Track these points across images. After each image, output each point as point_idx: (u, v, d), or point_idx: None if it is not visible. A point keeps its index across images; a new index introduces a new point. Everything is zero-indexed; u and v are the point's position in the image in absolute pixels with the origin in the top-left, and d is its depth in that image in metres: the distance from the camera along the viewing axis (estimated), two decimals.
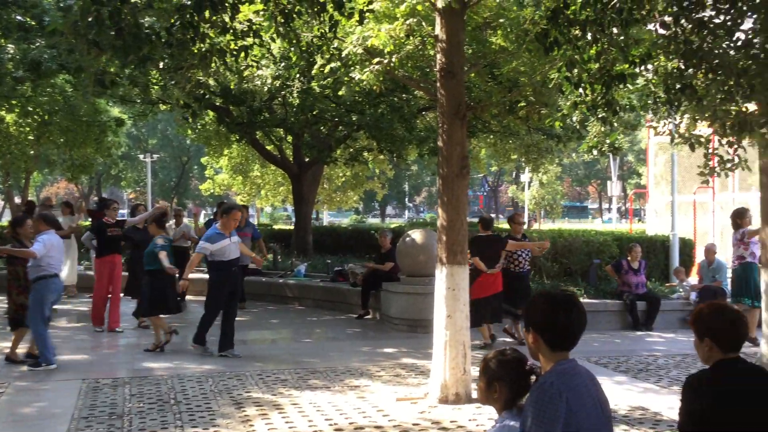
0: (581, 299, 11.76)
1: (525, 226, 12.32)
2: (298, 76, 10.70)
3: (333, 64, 7.03)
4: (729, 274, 12.03)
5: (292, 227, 21.50)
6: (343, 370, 8.35)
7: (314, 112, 13.01)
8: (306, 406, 6.78)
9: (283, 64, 11.31)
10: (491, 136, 17.27)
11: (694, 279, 13.62)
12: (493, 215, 42.76)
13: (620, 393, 7.38)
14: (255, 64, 9.11)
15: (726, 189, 25.54)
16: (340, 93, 8.40)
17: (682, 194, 23.56)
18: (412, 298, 10.85)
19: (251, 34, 5.84)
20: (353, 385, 7.63)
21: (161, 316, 9.46)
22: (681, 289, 12.64)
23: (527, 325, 3.04)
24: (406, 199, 73.12)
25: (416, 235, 11.25)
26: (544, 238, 12.78)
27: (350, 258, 15.94)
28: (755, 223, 10.02)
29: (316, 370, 8.28)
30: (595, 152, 6.71)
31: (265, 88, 11.48)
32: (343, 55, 7.25)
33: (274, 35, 6.13)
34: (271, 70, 11.13)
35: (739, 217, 10.51)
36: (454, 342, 7.02)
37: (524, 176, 40.74)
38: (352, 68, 7.38)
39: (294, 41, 6.42)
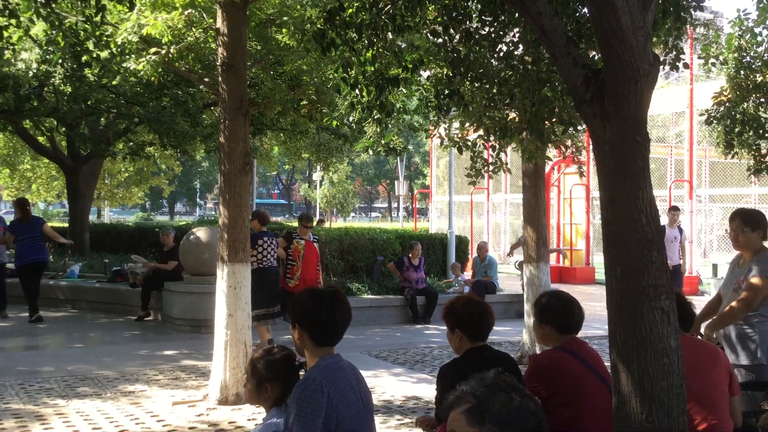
0: (366, 295, 12.21)
1: (317, 225, 12.36)
2: (60, 61, 9.93)
3: (102, 52, 6.62)
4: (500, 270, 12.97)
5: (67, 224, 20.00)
6: (116, 375, 7.90)
7: (89, 102, 12.19)
8: (73, 416, 6.33)
9: (51, 48, 10.47)
10: (281, 134, 17.25)
11: (469, 274, 14.57)
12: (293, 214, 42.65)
13: (397, 384, 7.68)
14: (11, 46, 8.32)
15: (499, 190, 27.58)
16: (114, 83, 7.94)
17: (462, 195, 25.11)
18: (195, 297, 10.54)
19: (7, 14, 5.33)
20: (127, 391, 7.25)
21: None
22: (456, 284, 13.44)
23: (293, 322, 3.06)
24: (197, 197, 71.07)
25: (201, 232, 10.94)
26: (331, 237, 13.01)
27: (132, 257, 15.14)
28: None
29: (87, 377, 7.76)
30: (370, 152, 6.95)
31: (30, 73, 10.55)
32: (118, 43, 6.87)
33: (34, 16, 5.64)
34: (36, 54, 10.25)
35: None
36: (234, 341, 6.91)
37: (316, 175, 41.21)
38: (128, 57, 7.01)
39: (57, 23, 5.95)
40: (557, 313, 3.78)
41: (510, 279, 17.01)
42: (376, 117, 5.63)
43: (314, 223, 10.17)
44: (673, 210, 12.78)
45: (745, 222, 4.88)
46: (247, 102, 6.82)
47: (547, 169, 19.95)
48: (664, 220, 14.53)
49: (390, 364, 8.77)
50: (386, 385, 7.62)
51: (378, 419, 6.36)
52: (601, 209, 3.24)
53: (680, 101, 19.25)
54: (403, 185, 34.04)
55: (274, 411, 3.24)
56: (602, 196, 3.23)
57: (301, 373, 3.23)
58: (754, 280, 4.71)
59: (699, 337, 4.93)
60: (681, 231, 12.60)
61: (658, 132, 36.08)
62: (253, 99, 7.27)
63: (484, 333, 3.71)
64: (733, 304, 4.75)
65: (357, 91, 5.43)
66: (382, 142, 6.71)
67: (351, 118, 6.08)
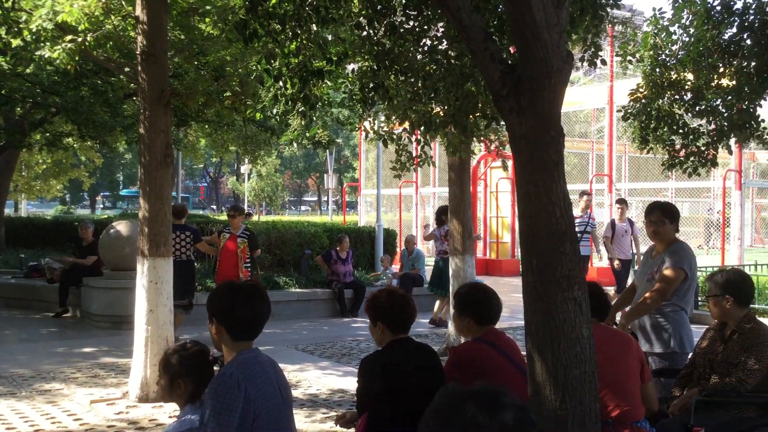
0: (293, 289, 12.12)
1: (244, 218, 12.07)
2: None
3: (15, 40, 6.35)
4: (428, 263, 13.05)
5: None
6: (32, 374, 7.63)
7: (3, 91, 11.68)
8: None
9: None
10: (207, 126, 16.94)
11: (397, 267, 14.65)
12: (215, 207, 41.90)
13: (323, 378, 7.66)
14: None
15: (428, 184, 27.81)
16: (27, 71, 7.64)
17: (391, 188, 25.22)
18: (116, 293, 10.25)
19: None
20: (44, 389, 7.01)
21: None
22: (384, 277, 13.50)
23: (210, 316, 3.01)
24: (120, 189, 69.16)
25: (121, 226, 10.66)
26: (258, 231, 12.86)
27: (50, 252, 14.65)
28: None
29: (1, 376, 7.47)
30: (295, 145, 6.90)
31: None
32: (33, 30, 6.60)
33: None
34: None
35: (444, 213, 10.90)
36: (155, 337, 6.76)
37: (244, 168, 40.68)
38: (43, 45, 6.75)
39: None
40: (476, 305, 3.84)
41: None
42: (300, 110, 5.59)
43: (242, 215, 9.90)
44: (620, 203, 12.47)
45: (665, 214, 5.06)
46: (168, 92, 6.67)
47: (474, 162, 20.27)
48: (608, 215, 14.92)
49: (317, 358, 8.75)
50: (312, 378, 7.59)
51: (303, 413, 6.34)
52: (517, 202, 3.31)
53: (602, 98, 19.81)
54: (332, 178, 33.97)
55: (188, 408, 3.18)
56: (518, 190, 3.29)
57: (216, 368, 3.19)
58: (668, 271, 4.88)
59: (614, 326, 5.10)
60: (632, 223, 12.40)
61: (580, 128, 37.08)
62: (175, 89, 7.11)
63: (406, 325, 3.74)
64: (647, 294, 4.91)
65: (281, 83, 5.37)
66: (307, 135, 6.67)
67: (275, 111, 6.01)
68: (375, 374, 3.59)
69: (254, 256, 9.74)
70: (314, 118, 6.02)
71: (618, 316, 5.19)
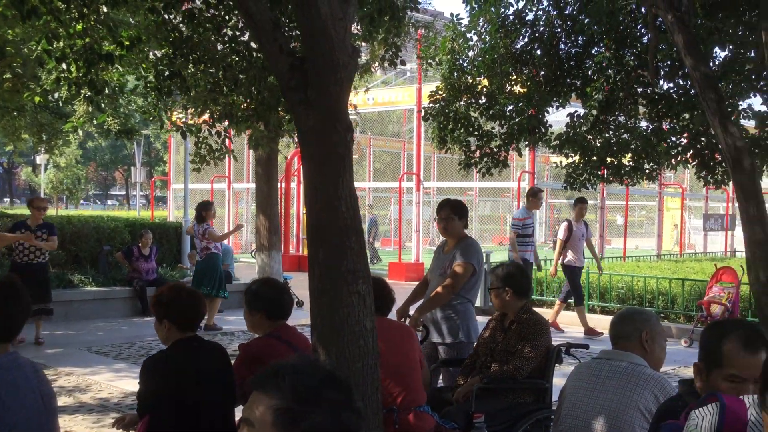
0: (89, 287, 11.38)
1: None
2: None
3: None
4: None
5: None
6: None
7: None
8: None
9: None
10: None
11: None
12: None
13: (116, 381, 7.26)
14: None
15: (241, 179, 27.35)
16: None
17: (203, 182, 24.51)
18: None
19: None
20: None
21: None
22: (191, 273, 13.06)
23: None
24: None
25: None
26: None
27: None
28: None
29: None
30: (80, 133, 6.46)
31: None
32: None
33: None
34: None
35: (204, 209, 10.39)
36: None
37: (40, 158, 37.74)
38: None
39: None
40: (267, 300, 3.79)
41: (249, 268, 16.95)
42: (87, 95, 5.22)
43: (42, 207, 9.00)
44: (581, 202, 10.57)
45: (454, 211, 5.28)
46: None
47: (288, 158, 20.19)
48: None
49: (111, 360, 8.27)
50: (103, 382, 7.17)
51: (91, 419, 5.98)
52: (305, 196, 3.29)
53: (413, 99, 20.51)
54: (140, 172, 32.39)
55: None
56: (306, 183, 3.27)
57: None
58: (458, 267, 5.10)
59: (408, 319, 5.26)
60: (587, 226, 10.72)
61: (393, 127, 38.22)
62: None
63: (192, 324, 3.59)
64: (439, 289, 5.11)
65: (64, 66, 4.99)
66: (95, 122, 6.24)
67: (56, 95, 5.57)
68: (158, 375, 3.42)
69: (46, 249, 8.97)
70: (103, 105, 5.65)
71: (411, 310, 5.35)
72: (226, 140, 6.52)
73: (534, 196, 10.52)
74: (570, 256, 10.32)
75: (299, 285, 12.03)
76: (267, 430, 1.45)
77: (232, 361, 3.72)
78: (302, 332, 4.04)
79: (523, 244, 10.25)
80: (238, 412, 3.72)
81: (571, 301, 10.48)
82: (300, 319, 8.71)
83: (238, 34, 6.06)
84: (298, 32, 5.27)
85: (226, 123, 6.98)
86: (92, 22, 4.96)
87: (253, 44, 6.02)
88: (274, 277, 4.50)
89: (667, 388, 3.03)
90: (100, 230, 12.68)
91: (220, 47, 5.87)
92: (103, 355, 8.57)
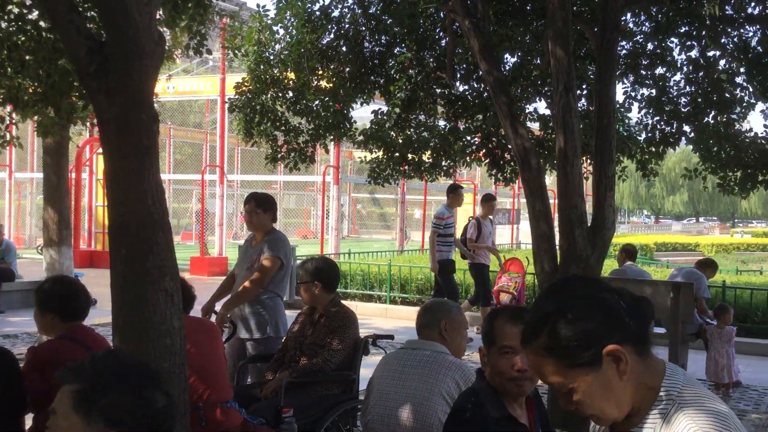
0: None
1: None
2: None
3: None
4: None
5: None
6: None
7: None
8: None
9: None
10: None
11: None
12: None
13: None
14: None
15: (25, 168, 25.24)
16: None
17: None
18: None
19: None
20: None
21: None
22: None
23: None
24: None
25: None
26: None
27: None
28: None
29: None
30: None
31: None
32: None
33: None
34: None
35: None
36: None
37: None
38: None
39: None
40: (60, 300, 3.54)
41: (34, 265, 15.68)
42: None
43: None
44: (491, 199, 10.25)
45: (258, 204, 5.22)
46: None
47: (80, 146, 18.86)
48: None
49: None
50: None
51: None
52: (106, 189, 3.11)
53: (216, 89, 20.00)
54: None
55: None
56: (108, 176, 3.09)
57: None
58: (265, 261, 5.06)
59: (214, 316, 5.14)
60: (492, 223, 10.48)
61: (195, 117, 37.11)
62: None
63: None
64: (246, 283, 5.04)
65: None
66: None
67: None
68: None
69: None
70: None
71: (218, 306, 5.24)
72: (10, 126, 5.97)
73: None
74: (481, 254, 9.96)
75: (92, 282, 11.31)
76: (68, 414, 1.55)
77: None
78: (99, 333, 3.81)
79: (446, 244, 9.66)
80: (29, 420, 3.46)
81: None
82: (94, 318, 8.22)
83: (25, 12, 5.58)
84: (95, 13, 4.96)
85: (10, 108, 6.42)
86: None
87: (42, 23, 5.57)
88: (66, 275, 4.20)
89: (468, 373, 3.22)
90: None
91: (4, 25, 5.36)
92: None
